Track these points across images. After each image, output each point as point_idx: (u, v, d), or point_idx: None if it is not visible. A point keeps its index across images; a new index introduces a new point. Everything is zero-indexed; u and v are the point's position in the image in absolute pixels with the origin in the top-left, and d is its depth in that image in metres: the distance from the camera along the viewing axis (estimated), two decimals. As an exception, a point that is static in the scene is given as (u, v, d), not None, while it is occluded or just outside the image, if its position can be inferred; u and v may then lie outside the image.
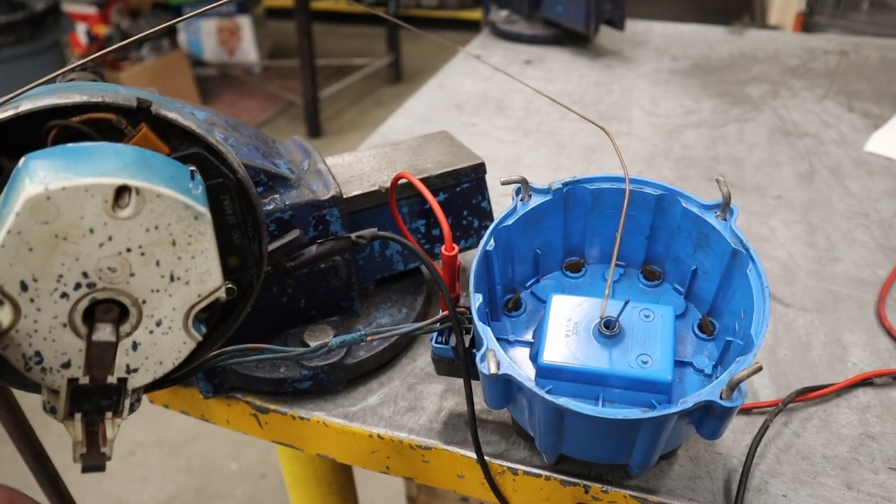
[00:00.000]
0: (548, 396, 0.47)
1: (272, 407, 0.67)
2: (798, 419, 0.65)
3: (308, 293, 0.68)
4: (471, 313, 0.52)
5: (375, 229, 0.57)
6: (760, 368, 0.45)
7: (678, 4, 4.81)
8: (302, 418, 0.66)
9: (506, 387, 0.51)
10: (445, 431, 0.64)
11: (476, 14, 4.49)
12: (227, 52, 4.04)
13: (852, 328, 0.74)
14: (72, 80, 0.57)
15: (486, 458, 0.61)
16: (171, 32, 3.58)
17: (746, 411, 0.65)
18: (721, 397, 0.46)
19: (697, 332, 0.61)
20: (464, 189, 0.73)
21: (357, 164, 0.73)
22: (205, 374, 0.66)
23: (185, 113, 0.43)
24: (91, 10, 3.44)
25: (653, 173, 1.04)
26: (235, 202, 0.46)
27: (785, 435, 0.63)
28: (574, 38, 1.53)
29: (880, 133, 1.12)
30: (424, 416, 0.65)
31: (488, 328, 0.51)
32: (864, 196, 0.97)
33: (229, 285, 0.48)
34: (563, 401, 0.47)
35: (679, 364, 0.58)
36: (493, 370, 0.47)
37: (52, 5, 2.84)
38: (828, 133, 1.14)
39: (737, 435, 0.63)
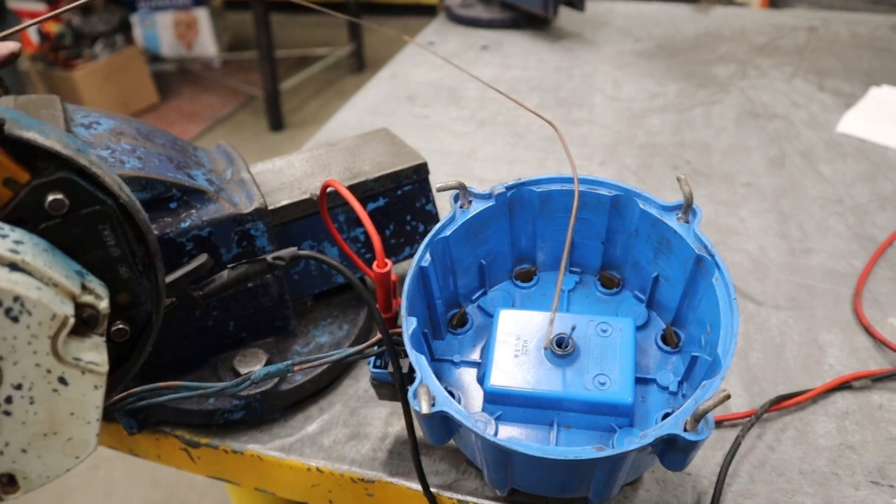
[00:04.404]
0: (489, 437, 0.41)
1: (203, 440, 0.61)
2: (773, 430, 0.60)
3: (236, 315, 0.62)
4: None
5: (295, 249, 0.50)
6: (728, 397, 0.40)
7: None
8: (235, 452, 0.61)
9: (444, 422, 0.45)
10: (390, 461, 0.58)
11: (436, -2, 4.39)
12: (185, 46, 3.91)
13: (828, 326, 0.69)
14: None
15: (433, 490, 0.55)
16: (126, 28, 3.46)
17: (718, 424, 0.60)
18: (685, 429, 0.41)
19: (661, 344, 0.55)
20: (405, 192, 0.67)
21: (288, 170, 0.67)
22: (125, 410, 0.60)
23: (52, 130, 0.37)
24: (40, 7, 3.31)
25: (616, 162, 0.98)
26: (119, 231, 0.39)
27: (759, 449, 0.58)
28: (532, 21, 1.47)
29: (852, 113, 1.07)
30: (368, 444, 0.60)
31: (423, 357, 0.45)
32: (838, 180, 0.92)
33: (120, 325, 0.42)
34: (506, 441, 0.41)
35: (641, 381, 0.53)
36: (426, 410, 0.41)
37: (-4, 3, 2.73)
38: (798, 114, 1.09)
39: (707, 452, 0.58)
